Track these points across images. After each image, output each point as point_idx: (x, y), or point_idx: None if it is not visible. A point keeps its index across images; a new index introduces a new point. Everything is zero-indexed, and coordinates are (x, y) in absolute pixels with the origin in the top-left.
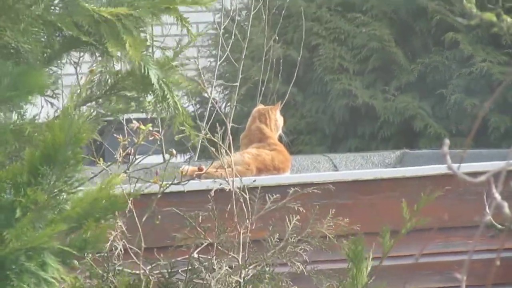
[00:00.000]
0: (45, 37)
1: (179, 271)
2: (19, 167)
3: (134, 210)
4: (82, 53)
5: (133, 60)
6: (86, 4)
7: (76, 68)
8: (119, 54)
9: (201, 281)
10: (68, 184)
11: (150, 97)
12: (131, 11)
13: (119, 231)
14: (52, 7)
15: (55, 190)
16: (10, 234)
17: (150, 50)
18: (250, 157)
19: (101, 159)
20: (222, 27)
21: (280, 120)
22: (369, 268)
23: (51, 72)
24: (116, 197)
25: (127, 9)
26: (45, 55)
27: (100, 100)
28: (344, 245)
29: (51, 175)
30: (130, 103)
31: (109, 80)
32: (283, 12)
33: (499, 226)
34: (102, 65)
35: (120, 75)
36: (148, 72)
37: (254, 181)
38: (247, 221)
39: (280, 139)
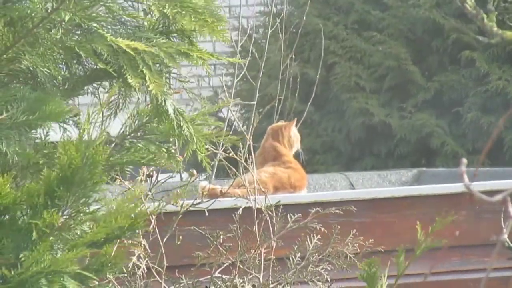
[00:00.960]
0: (64, 64)
1: None
2: (35, 187)
3: (156, 229)
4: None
5: (155, 94)
6: (104, 33)
7: (98, 96)
8: (138, 85)
9: None
10: (86, 204)
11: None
12: (149, 48)
13: (142, 249)
14: (71, 34)
15: (72, 212)
16: (30, 257)
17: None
18: (267, 176)
19: (119, 178)
20: (239, 45)
21: (295, 136)
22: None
23: (69, 102)
24: (136, 215)
25: (144, 45)
26: (66, 87)
27: (128, 142)
28: (359, 266)
29: (68, 197)
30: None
31: (137, 122)
32: (299, 31)
33: None
34: (121, 95)
35: (144, 114)
36: (164, 102)
37: (279, 201)
38: (270, 240)
39: (297, 156)
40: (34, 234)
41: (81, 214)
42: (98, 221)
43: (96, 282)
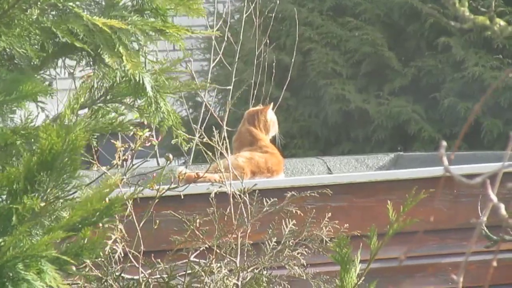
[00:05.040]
0: (39, 43)
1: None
2: (15, 173)
3: (133, 213)
4: (77, 61)
5: (131, 72)
6: (80, 11)
7: (72, 74)
8: (116, 64)
9: (200, 285)
10: (65, 191)
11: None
12: (124, 25)
13: (119, 234)
14: (47, 14)
15: (52, 197)
16: (7, 242)
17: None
18: (244, 161)
19: (96, 163)
20: (215, 30)
21: (271, 121)
22: (357, 270)
23: (44, 77)
24: (113, 200)
25: (120, 23)
26: (38, 60)
27: (96, 106)
28: (331, 247)
29: (48, 182)
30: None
31: (105, 85)
32: (273, 16)
33: (494, 238)
34: (97, 72)
35: (115, 81)
36: (141, 80)
37: (255, 184)
38: (246, 224)
39: (274, 140)
40: (14, 219)
41: (61, 200)
42: (74, 206)
43: (74, 267)
